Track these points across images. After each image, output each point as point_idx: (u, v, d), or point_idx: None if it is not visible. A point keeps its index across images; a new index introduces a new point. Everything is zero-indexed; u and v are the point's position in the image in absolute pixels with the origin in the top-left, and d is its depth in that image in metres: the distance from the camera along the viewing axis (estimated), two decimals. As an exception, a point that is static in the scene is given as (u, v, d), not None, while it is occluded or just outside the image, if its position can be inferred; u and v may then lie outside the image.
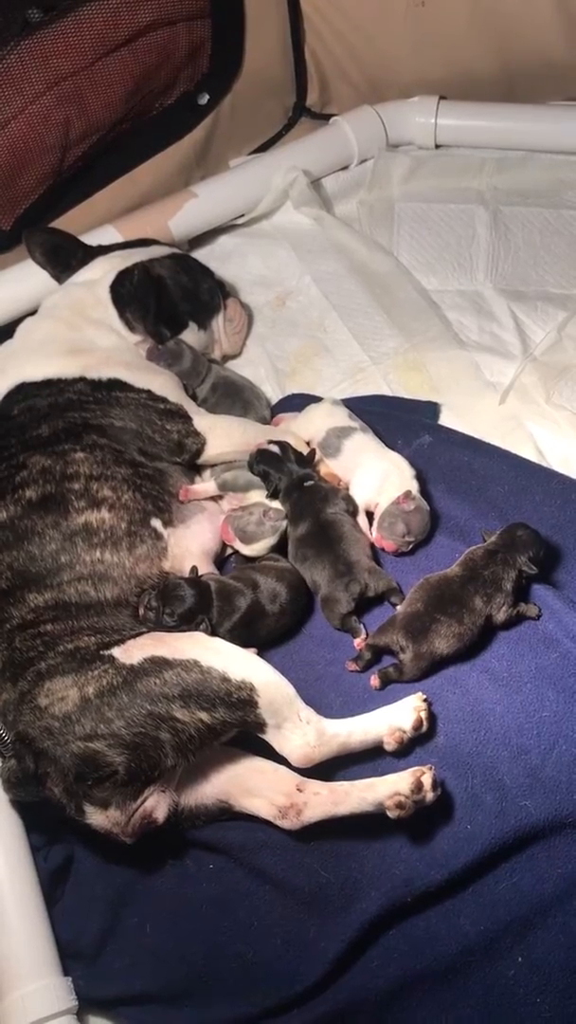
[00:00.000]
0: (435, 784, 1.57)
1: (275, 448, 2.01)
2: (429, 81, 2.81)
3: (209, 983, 1.65)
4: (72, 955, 1.74)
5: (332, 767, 1.67)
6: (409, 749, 1.69)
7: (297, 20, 2.75)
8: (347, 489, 2.05)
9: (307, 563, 1.90)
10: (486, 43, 2.70)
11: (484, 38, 2.69)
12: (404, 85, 2.84)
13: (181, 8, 2.48)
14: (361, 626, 1.85)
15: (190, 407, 2.11)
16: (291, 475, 1.99)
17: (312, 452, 2.07)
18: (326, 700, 1.77)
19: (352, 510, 1.99)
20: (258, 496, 2.04)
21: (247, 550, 1.97)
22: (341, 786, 1.61)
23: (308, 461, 2.04)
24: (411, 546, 1.95)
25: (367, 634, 1.84)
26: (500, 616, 1.77)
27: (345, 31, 2.77)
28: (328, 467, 2.09)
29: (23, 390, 2.02)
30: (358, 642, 1.83)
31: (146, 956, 1.70)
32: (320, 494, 1.97)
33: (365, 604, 1.88)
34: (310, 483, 1.99)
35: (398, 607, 1.82)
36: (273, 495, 2.00)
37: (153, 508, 1.92)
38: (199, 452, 2.07)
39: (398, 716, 1.67)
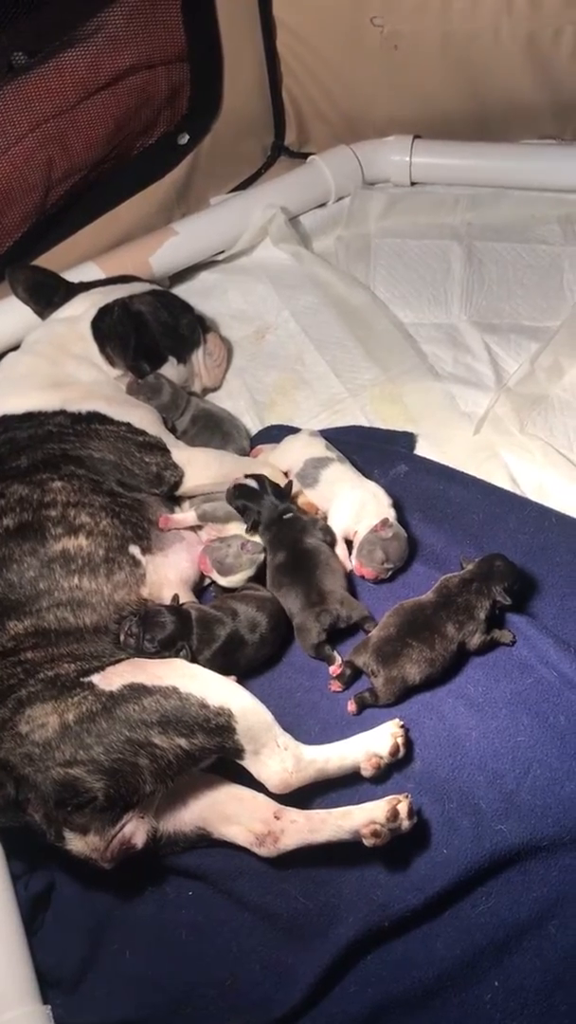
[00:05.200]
0: (411, 812, 1.58)
1: (252, 483, 2.02)
2: (404, 120, 2.87)
3: (188, 1010, 1.64)
4: (52, 983, 1.73)
5: (310, 793, 1.68)
6: (386, 775, 1.70)
7: (274, 62, 2.80)
8: (325, 519, 2.07)
9: (282, 591, 1.92)
10: (458, 84, 2.76)
11: (456, 79, 2.75)
12: (379, 124, 2.90)
13: (160, 52, 2.55)
14: (335, 654, 1.87)
15: (169, 440, 2.14)
16: (270, 508, 2.00)
17: (290, 484, 2.09)
18: (304, 727, 1.78)
19: (330, 540, 2.02)
20: (237, 528, 2.05)
21: (224, 581, 1.98)
22: (318, 814, 1.62)
23: (286, 494, 2.05)
24: (390, 573, 1.97)
25: (342, 661, 1.86)
26: (473, 643, 1.80)
27: (321, 73, 2.83)
28: (306, 497, 2.12)
29: (4, 423, 2.04)
30: (333, 669, 1.85)
31: (126, 983, 1.69)
32: (299, 525, 1.99)
33: (341, 632, 1.90)
34: (289, 516, 2.01)
35: (371, 632, 1.84)
36: (253, 528, 2.01)
37: (131, 535, 1.94)
38: (178, 484, 2.10)
39: (375, 742, 1.69)
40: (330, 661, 1.87)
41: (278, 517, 2.00)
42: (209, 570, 1.99)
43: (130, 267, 2.56)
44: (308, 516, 2.06)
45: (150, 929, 1.72)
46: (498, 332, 2.55)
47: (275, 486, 2.04)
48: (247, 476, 2.04)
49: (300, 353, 2.61)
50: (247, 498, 2.02)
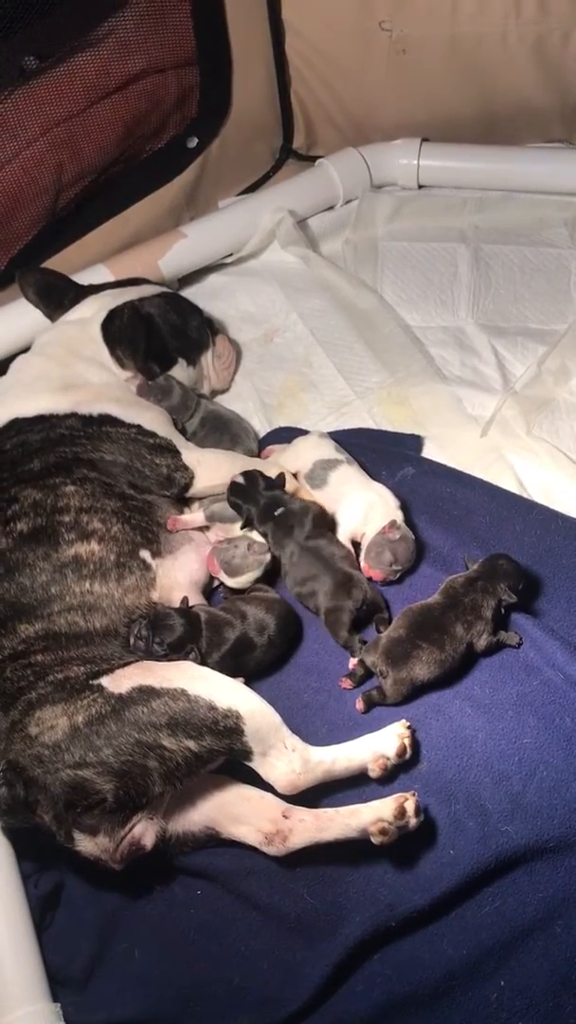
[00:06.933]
0: (418, 810, 1.60)
1: (242, 479, 2.04)
2: (411, 124, 2.88)
3: (196, 1008, 1.66)
4: (62, 981, 1.75)
5: (318, 793, 1.69)
6: (393, 775, 1.71)
7: (282, 66, 2.81)
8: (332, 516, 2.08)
9: (307, 584, 1.94)
10: (466, 88, 2.78)
11: (464, 83, 2.76)
12: (387, 128, 2.91)
13: (170, 56, 2.55)
14: (358, 646, 1.87)
15: (179, 441, 2.15)
16: (260, 502, 2.02)
17: (281, 475, 2.09)
18: (312, 728, 1.79)
19: (326, 521, 2.04)
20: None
21: (232, 582, 2.00)
22: (325, 812, 1.63)
23: (279, 484, 2.06)
24: (398, 575, 1.98)
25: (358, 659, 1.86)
26: (481, 643, 1.81)
27: (329, 77, 2.84)
28: (311, 495, 2.13)
29: (16, 426, 2.06)
30: (353, 662, 1.86)
31: (134, 982, 1.70)
32: (294, 518, 2.01)
33: (358, 629, 1.92)
34: (280, 511, 2.01)
35: (383, 632, 1.85)
36: (247, 524, 2.03)
37: (142, 539, 1.95)
38: (188, 485, 2.11)
39: (382, 743, 1.70)
40: (353, 652, 1.87)
41: (270, 512, 2.01)
42: (217, 571, 2.00)
43: (139, 270, 2.57)
44: (299, 503, 2.05)
45: (159, 928, 1.74)
46: (505, 335, 2.56)
47: (266, 478, 2.05)
48: (239, 474, 2.05)
49: (308, 355, 2.62)
50: (238, 495, 2.03)
